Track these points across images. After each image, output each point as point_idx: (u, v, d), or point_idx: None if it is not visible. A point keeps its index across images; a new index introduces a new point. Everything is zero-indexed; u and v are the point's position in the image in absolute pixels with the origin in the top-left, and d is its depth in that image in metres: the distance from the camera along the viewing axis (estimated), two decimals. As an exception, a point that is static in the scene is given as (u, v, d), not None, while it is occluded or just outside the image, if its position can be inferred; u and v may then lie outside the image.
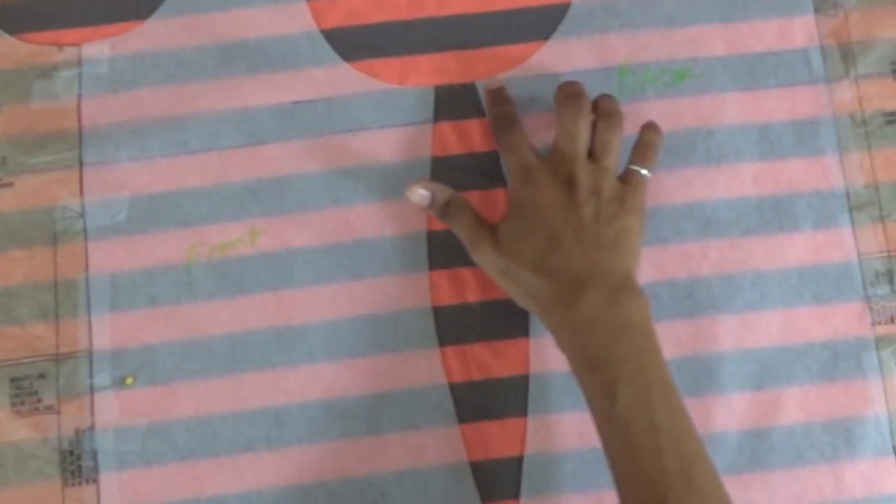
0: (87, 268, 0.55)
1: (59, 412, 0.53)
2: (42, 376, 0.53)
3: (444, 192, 0.54)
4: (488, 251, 0.51)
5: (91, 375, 0.53)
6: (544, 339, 0.51)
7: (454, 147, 0.56)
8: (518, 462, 0.53)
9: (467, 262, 0.54)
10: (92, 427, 0.53)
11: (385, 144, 0.56)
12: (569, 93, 0.53)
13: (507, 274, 0.51)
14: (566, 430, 0.53)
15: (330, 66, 0.57)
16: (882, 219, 0.56)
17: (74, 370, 0.53)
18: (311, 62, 0.57)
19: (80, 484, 0.52)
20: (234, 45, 0.57)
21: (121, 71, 0.57)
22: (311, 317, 0.54)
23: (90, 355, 0.54)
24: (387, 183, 0.55)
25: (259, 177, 0.55)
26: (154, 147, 0.56)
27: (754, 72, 0.57)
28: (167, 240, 0.55)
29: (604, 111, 0.53)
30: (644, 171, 0.53)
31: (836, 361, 0.54)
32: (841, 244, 0.55)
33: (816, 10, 0.58)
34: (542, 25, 0.58)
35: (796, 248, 0.55)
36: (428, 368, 0.54)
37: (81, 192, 0.55)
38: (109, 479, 0.52)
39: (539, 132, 0.55)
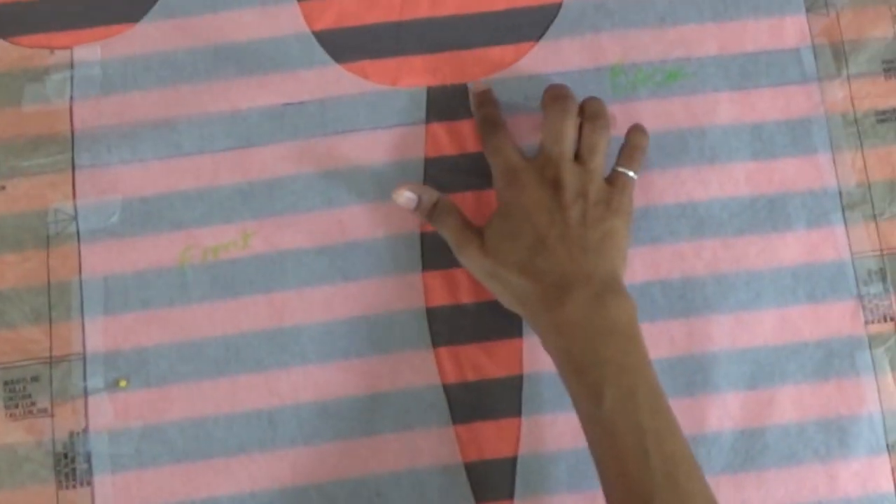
0: (80, 271, 0.55)
1: (52, 415, 0.53)
2: (35, 379, 0.53)
3: (431, 194, 0.54)
4: (475, 253, 0.51)
5: (85, 378, 0.53)
6: (538, 339, 0.51)
7: (447, 148, 0.56)
8: (512, 462, 0.53)
9: (460, 263, 0.54)
10: (86, 430, 0.53)
11: (377, 146, 0.56)
12: (555, 95, 0.53)
13: (493, 276, 0.51)
14: (560, 430, 0.53)
15: (321, 67, 0.57)
16: (874, 217, 0.56)
17: (68, 373, 0.53)
18: (302, 64, 0.57)
19: (74, 487, 0.52)
20: (226, 47, 0.57)
21: (112, 74, 0.57)
22: (304, 318, 0.54)
23: (84, 358, 0.54)
24: (379, 184, 0.55)
25: (251, 179, 0.55)
26: (146, 150, 0.56)
27: (746, 71, 0.57)
28: (160, 242, 0.55)
29: (590, 113, 0.53)
30: (631, 173, 0.53)
31: (830, 360, 0.54)
32: (834, 243, 0.55)
33: (808, 10, 0.58)
34: (534, 26, 0.58)
35: (789, 248, 0.55)
36: (422, 369, 0.54)
37: (74, 195, 0.55)
38: (104, 482, 0.52)
39: (527, 134, 0.55)
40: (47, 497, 0.52)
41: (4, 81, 0.56)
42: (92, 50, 0.57)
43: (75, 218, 0.55)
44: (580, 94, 0.55)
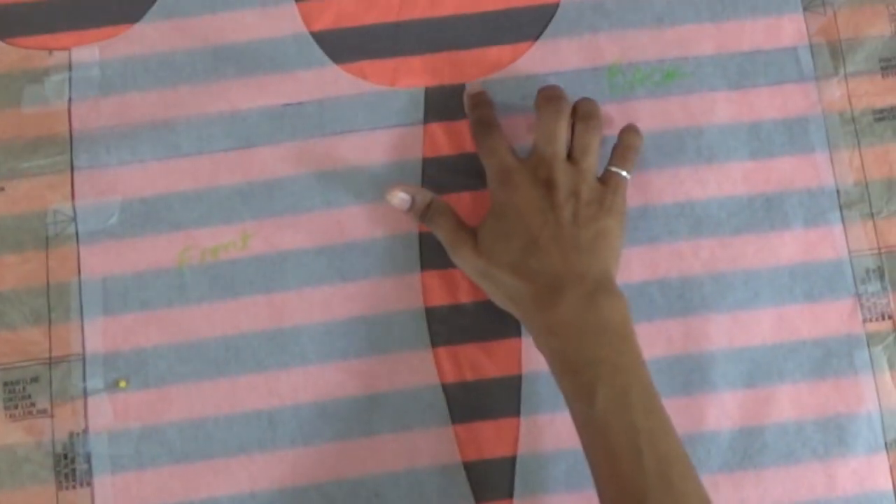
0: (79, 272, 0.55)
1: (52, 416, 0.53)
2: (35, 380, 0.53)
3: (424, 195, 0.54)
4: (468, 254, 0.52)
5: (84, 379, 0.53)
6: (535, 339, 0.51)
7: (445, 148, 0.56)
8: (511, 462, 0.53)
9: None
10: (85, 430, 0.53)
11: (376, 146, 0.56)
12: (548, 96, 0.53)
13: (486, 276, 0.51)
14: (559, 429, 0.53)
15: (320, 68, 0.57)
16: (872, 216, 0.56)
17: (67, 374, 0.53)
18: (301, 65, 0.57)
19: (74, 487, 0.52)
20: (224, 48, 0.57)
21: (111, 75, 0.57)
22: (303, 319, 0.54)
23: (83, 359, 0.54)
24: (378, 184, 0.55)
25: (250, 179, 0.56)
26: (145, 151, 0.56)
27: (744, 70, 0.57)
28: (159, 243, 0.55)
29: (583, 114, 0.54)
30: (623, 173, 0.53)
31: (828, 359, 0.54)
32: (831, 242, 0.56)
33: (805, 9, 0.58)
34: (532, 26, 0.58)
35: (787, 247, 0.55)
36: (420, 369, 0.54)
37: (73, 196, 0.55)
38: (103, 482, 0.53)
39: (524, 134, 0.55)
40: (47, 498, 0.52)
41: (3, 83, 0.56)
42: (90, 51, 0.57)
43: (74, 219, 0.55)
44: (578, 94, 0.55)
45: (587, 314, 0.48)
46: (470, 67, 0.57)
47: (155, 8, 0.58)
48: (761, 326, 0.55)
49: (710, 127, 0.56)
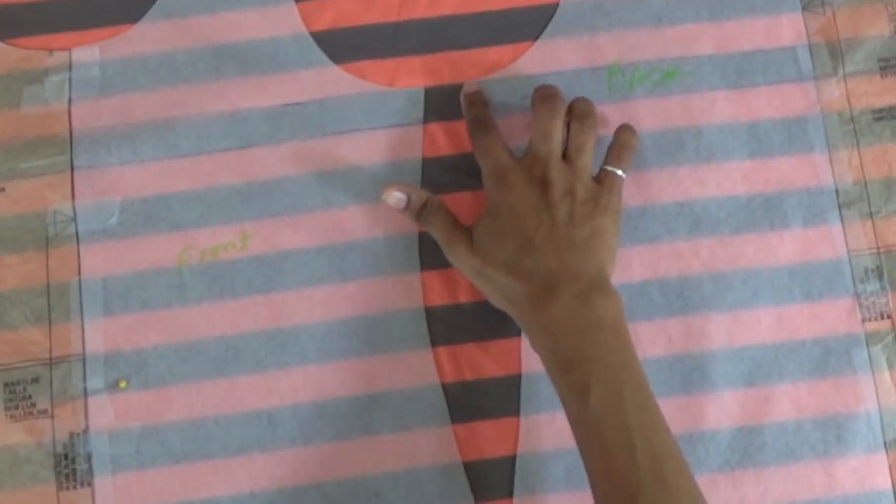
0: (79, 272, 0.55)
1: (53, 416, 0.53)
2: (36, 380, 0.53)
3: (420, 194, 0.54)
4: (463, 253, 0.52)
5: (84, 379, 0.53)
6: (536, 338, 0.51)
7: (444, 148, 0.56)
8: (511, 461, 0.53)
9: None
10: (86, 430, 0.53)
11: (375, 146, 0.56)
12: (544, 95, 0.54)
13: (481, 275, 0.51)
14: (559, 428, 0.53)
15: (320, 68, 0.57)
16: (871, 215, 0.56)
17: (68, 374, 0.53)
18: (300, 65, 0.57)
19: (74, 487, 0.52)
20: (224, 48, 0.57)
21: (111, 75, 0.57)
22: (303, 319, 0.54)
23: (83, 359, 0.54)
24: (378, 184, 0.55)
25: (250, 179, 0.56)
26: (145, 150, 0.56)
27: (743, 70, 0.57)
28: (159, 243, 0.55)
29: (578, 113, 0.54)
30: (619, 172, 0.53)
31: (827, 358, 0.54)
32: (830, 241, 0.56)
33: (804, 8, 0.58)
34: (531, 26, 0.58)
35: (786, 246, 0.56)
36: (420, 369, 0.54)
37: (73, 197, 0.55)
38: (104, 483, 0.53)
39: (522, 134, 0.55)
40: (48, 498, 0.52)
41: (3, 83, 0.56)
42: (90, 51, 0.57)
43: (74, 219, 0.55)
44: (577, 94, 0.55)
45: (582, 313, 0.48)
46: (470, 67, 0.57)
47: (155, 8, 0.58)
48: (761, 326, 0.55)
49: (710, 126, 0.57)
